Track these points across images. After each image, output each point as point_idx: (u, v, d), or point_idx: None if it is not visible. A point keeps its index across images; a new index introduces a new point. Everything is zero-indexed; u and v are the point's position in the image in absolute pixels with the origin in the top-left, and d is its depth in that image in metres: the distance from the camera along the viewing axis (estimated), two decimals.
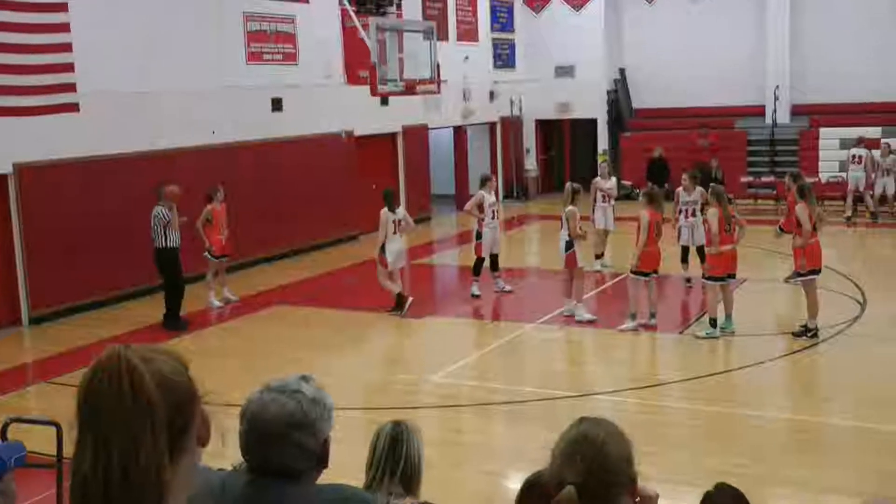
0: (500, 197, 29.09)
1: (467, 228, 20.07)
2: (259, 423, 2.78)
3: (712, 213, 13.72)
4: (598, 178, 18.51)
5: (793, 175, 17.65)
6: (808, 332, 13.32)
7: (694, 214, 16.22)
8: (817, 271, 13.52)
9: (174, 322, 15.23)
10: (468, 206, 16.87)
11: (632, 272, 14.30)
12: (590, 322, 14.60)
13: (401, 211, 15.82)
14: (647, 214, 14.13)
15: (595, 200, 18.43)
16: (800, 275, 13.60)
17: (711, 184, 15.67)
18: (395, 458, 4.25)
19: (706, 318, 14.17)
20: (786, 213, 17.56)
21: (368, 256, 20.97)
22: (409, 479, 4.23)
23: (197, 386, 2.07)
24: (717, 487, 3.65)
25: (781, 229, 16.78)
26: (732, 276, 13.96)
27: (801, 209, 13.49)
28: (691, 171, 17.43)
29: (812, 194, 14.04)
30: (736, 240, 13.89)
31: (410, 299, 15.52)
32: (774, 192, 25.79)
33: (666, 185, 24.28)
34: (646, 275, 14.17)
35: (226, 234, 16.57)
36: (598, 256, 18.23)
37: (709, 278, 13.80)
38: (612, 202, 18.46)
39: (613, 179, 18.92)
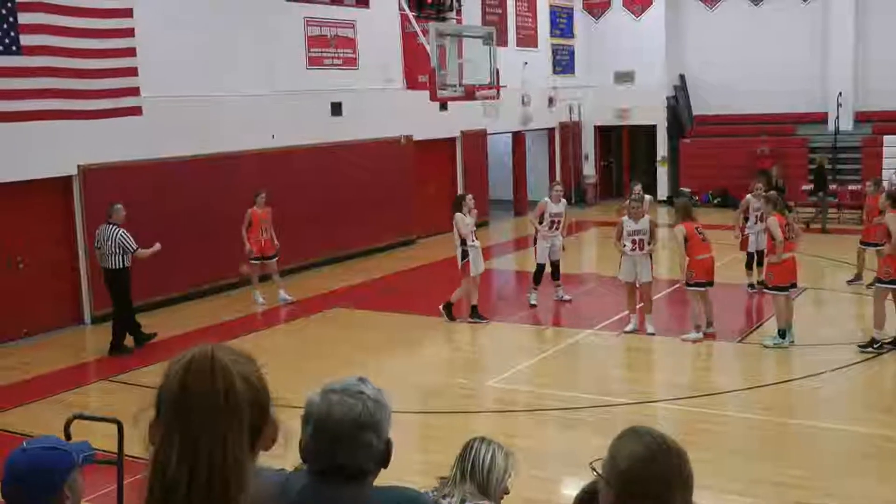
0: None
1: (525, 234, 20.04)
2: (327, 424, 2.79)
3: (772, 221, 13.52)
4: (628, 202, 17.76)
5: (876, 182, 17.47)
6: (874, 344, 12.97)
7: (763, 220, 15.91)
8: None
9: (121, 349, 14.27)
10: (531, 215, 16.88)
11: (687, 285, 14.18)
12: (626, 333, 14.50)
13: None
14: (684, 227, 13.98)
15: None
16: (881, 282, 13.17)
17: (767, 192, 15.53)
18: (464, 464, 4.66)
19: (766, 327, 14.05)
20: (866, 221, 17.32)
21: (426, 260, 21.09)
22: (480, 485, 4.59)
23: (270, 390, 2.11)
24: None
25: (864, 243, 16.80)
26: (794, 285, 13.75)
27: (892, 218, 12.97)
28: (763, 176, 17.19)
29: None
30: (794, 247, 13.72)
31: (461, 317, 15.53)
32: (836, 199, 25.49)
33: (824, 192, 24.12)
34: (702, 285, 14.03)
35: (265, 236, 16.68)
36: None
37: (773, 288, 13.62)
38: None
39: (648, 198, 18.13)
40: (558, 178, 29.81)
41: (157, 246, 14.62)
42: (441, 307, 15.55)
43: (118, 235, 14.14)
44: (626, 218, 14.76)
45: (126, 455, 6.48)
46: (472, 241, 15.27)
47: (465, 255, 15.22)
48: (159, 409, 2.02)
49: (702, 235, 14.04)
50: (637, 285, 14.62)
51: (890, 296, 13.20)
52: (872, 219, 16.00)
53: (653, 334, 14.33)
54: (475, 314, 15.47)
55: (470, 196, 15.81)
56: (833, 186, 26.11)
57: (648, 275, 14.63)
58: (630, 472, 2.57)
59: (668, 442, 2.63)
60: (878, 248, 14.79)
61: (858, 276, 17.34)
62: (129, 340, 14.45)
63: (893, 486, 8.87)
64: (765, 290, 14.29)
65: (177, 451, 1.94)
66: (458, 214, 15.29)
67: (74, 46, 15.18)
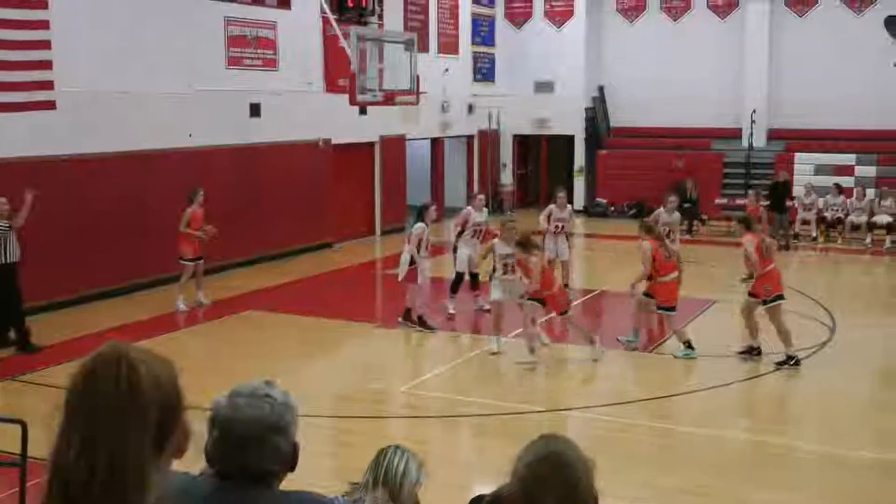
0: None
1: (442, 240, 20.05)
2: (234, 427, 2.77)
3: (644, 246, 13.81)
4: (552, 206, 17.73)
5: (756, 193, 18.54)
6: (790, 361, 13.10)
7: (670, 235, 15.95)
8: (782, 297, 13.40)
9: (29, 345, 13.95)
10: (453, 222, 16.83)
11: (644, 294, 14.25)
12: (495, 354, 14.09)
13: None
14: (651, 245, 13.92)
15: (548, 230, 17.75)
16: (766, 302, 13.36)
17: (681, 205, 15.78)
18: (377, 470, 4.69)
19: (673, 340, 14.24)
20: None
21: (342, 264, 21.04)
22: (392, 492, 4.64)
23: (184, 395, 2.08)
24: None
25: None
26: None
27: (748, 241, 13.46)
28: (675, 190, 17.47)
29: (755, 224, 14.20)
30: (673, 267, 13.96)
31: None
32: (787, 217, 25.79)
33: (786, 211, 24.10)
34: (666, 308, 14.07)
35: (201, 234, 16.39)
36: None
37: (661, 308, 13.98)
38: (566, 230, 17.81)
39: (569, 208, 18.19)
40: (476, 185, 30.02)
41: (29, 197, 14.01)
42: (399, 318, 15.36)
43: None
44: (497, 241, 14.49)
45: (30, 457, 6.35)
46: (425, 251, 15.19)
47: (412, 261, 15.02)
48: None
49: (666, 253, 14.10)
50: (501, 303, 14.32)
51: (760, 310, 13.53)
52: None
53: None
54: (423, 322, 15.29)
55: (433, 207, 15.80)
56: (745, 200, 26.48)
57: (515, 296, 14.39)
58: (518, 474, 2.64)
59: (561, 450, 2.68)
60: None
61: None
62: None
63: (801, 495, 9.04)
64: (657, 311, 14.43)
65: (76, 449, 1.89)
66: (420, 224, 15.10)
67: None
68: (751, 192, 20.79)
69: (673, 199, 16.79)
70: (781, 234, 23.49)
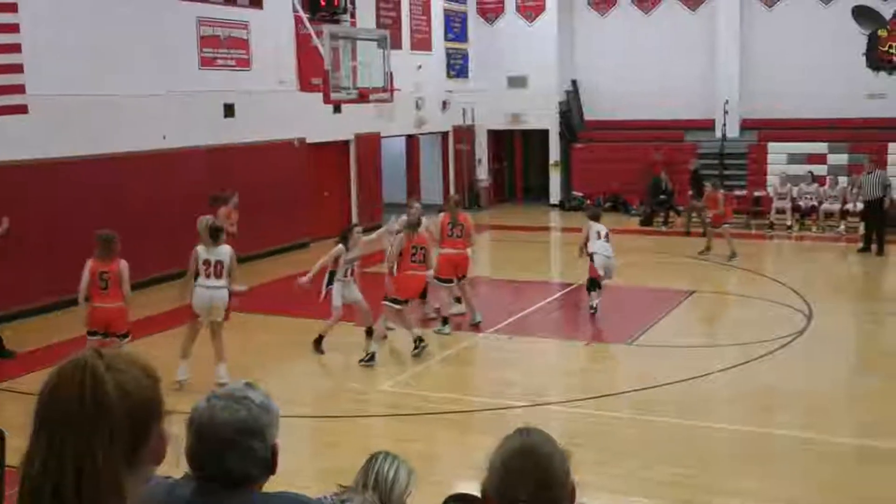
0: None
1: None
2: (210, 430, 2.77)
3: (434, 221, 15.28)
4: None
5: (713, 184, 22.00)
6: (371, 359, 13.52)
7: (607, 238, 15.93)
8: (448, 281, 15.02)
9: (4, 351, 13.90)
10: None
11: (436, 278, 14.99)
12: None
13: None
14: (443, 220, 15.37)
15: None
16: (393, 301, 14.15)
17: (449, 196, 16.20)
18: (367, 476, 4.68)
19: (654, 329, 14.29)
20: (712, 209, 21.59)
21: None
22: (382, 494, 4.64)
23: (162, 402, 2.06)
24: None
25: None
26: (458, 278, 15.16)
27: (399, 240, 14.29)
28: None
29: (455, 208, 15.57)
30: (455, 245, 15.13)
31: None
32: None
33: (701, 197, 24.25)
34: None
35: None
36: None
37: (437, 279, 14.93)
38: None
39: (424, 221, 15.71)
40: (451, 181, 29.98)
41: (5, 223, 14.07)
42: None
43: None
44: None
45: (8, 466, 6.30)
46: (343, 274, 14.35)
47: (329, 281, 14.39)
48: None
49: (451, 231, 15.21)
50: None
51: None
52: (712, 210, 21.50)
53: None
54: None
55: (357, 228, 14.89)
56: (720, 191, 26.53)
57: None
58: (493, 467, 2.68)
59: (535, 442, 2.70)
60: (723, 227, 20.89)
61: (709, 248, 21.15)
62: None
63: (776, 482, 9.07)
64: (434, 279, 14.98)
65: (42, 459, 1.89)
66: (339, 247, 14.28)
67: None
68: (707, 183, 22.65)
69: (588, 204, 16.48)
70: (700, 220, 23.46)
